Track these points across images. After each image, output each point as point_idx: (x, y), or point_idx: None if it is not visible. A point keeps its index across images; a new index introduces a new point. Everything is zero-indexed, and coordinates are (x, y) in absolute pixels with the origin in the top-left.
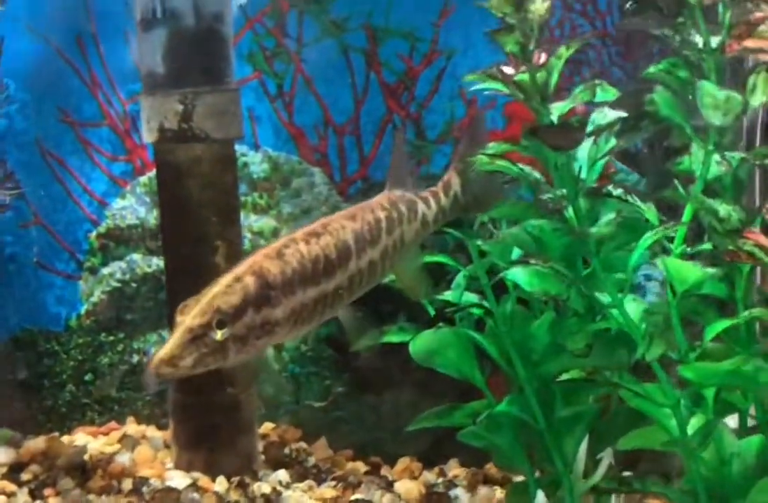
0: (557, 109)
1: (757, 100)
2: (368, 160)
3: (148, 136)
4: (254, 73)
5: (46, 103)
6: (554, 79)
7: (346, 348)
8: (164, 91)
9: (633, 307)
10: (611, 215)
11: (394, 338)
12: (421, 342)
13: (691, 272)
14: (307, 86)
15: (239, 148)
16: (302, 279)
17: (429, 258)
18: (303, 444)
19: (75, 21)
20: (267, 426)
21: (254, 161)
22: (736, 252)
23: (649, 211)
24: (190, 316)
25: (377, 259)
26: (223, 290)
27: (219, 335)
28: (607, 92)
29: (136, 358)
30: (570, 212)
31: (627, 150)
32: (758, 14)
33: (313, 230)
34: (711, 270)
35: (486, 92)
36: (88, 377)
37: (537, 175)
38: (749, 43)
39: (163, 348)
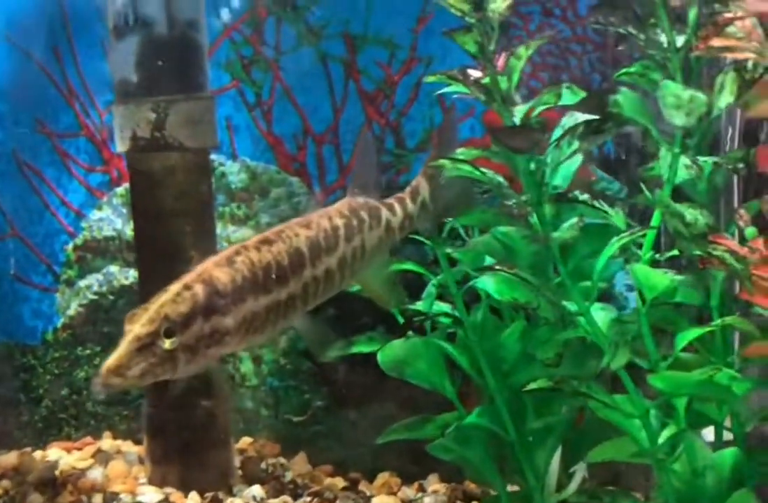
0: (519, 111)
1: (724, 101)
2: (347, 169)
3: (120, 145)
4: (232, 82)
5: (23, 113)
6: (515, 79)
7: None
8: (137, 100)
9: (601, 315)
10: (574, 220)
11: (362, 348)
12: (390, 352)
13: (660, 279)
14: (286, 95)
15: (217, 158)
16: (253, 288)
17: (398, 267)
18: (281, 459)
19: (52, 31)
20: (245, 441)
21: (232, 171)
22: (709, 258)
23: (617, 217)
24: (138, 325)
25: (334, 268)
26: (171, 298)
27: (167, 344)
28: (575, 95)
29: None
30: (534, 218)
31: (607, 158)
32: (727, 15)
33: (265, 237)
34: (679, 277)
35: (458, 98)
36: (64, 391)
37: (500, 179)
38: (715, 42)
39: (111, 357)
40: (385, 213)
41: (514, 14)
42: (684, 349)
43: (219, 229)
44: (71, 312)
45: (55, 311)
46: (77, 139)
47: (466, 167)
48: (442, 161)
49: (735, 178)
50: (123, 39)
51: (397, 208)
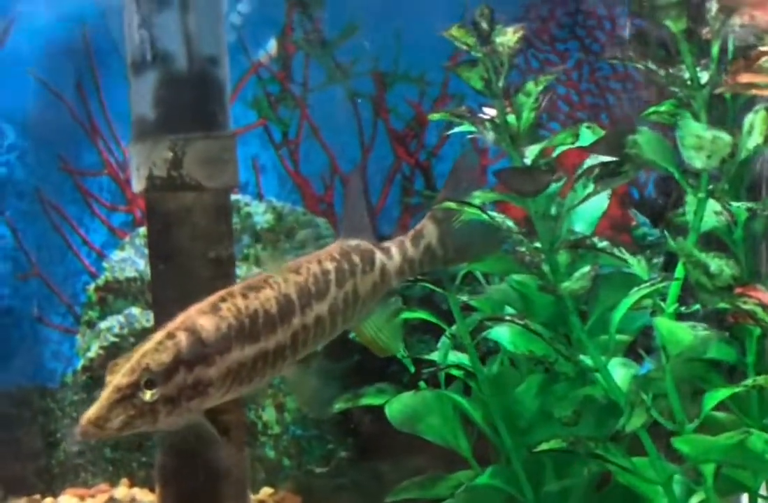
0: (531, 152)
1: (753, 142)
2: (375, 210)
3: (137, 184)
4: (259, 120)
5: (46, 150)
6: (526, 117)
7: (351, 409)
8: (153, 138)
9: (622, 372)
10: (585, 269)
11: (371, 401)
12: (399, 406)
13: (684, 334)
14: (313, 133)
15: (242, 198)
16: (239, 336)
17: (408, 315)
18: None
19: (77, 66)
20: (265, 492)
21: (257, 211)
22: (741, 313)
23: (638, 266)
24: (119, 375)
25: (325, 315)
26: (153, 347)
27: (148, 396)
28: (596, 134)
29: None
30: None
31: (648, 202)
32: (762, 48)
33: (252, 283)
34: (705, 332)
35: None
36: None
37: (510, 223)
38: (743, 78)
39: (91, 408)
40: (379, 256)
41: (551, 51)
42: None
43: (244, 271)
44: (91, 354)
45: (75, 353)
46: (100, 177)
47: (472, 210)
48: (446, 203)
49: None
50: (140, 75)
51: (395, 251)
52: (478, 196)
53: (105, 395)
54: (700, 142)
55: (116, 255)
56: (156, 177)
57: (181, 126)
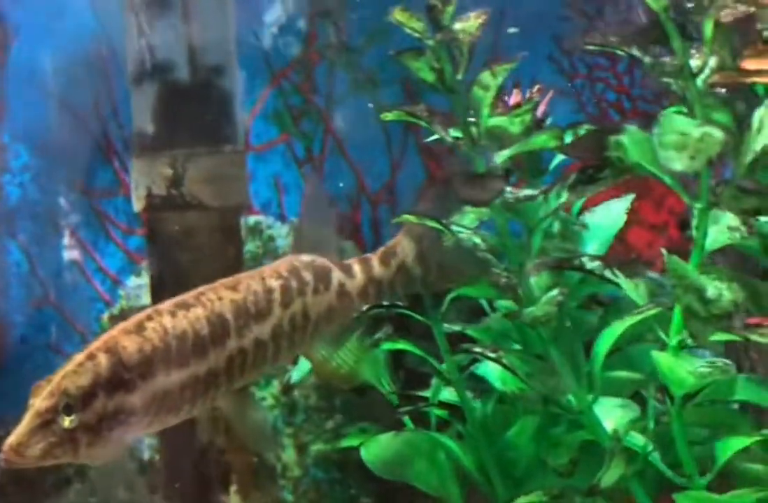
0: (501, 156)
1: (762, 141)
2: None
3: (136, 203)
4: (281, 136)
5: (60, 170)
6: (485, 115)
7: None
8: (153, 153)
9: (617, 415)
10: (553, 293)
11: (352, 442)
12: (377, 449)
13: (686, 373)
14: (338, 149)
15: (265, 220)
16: (165, 360)
17: (390, 346)
18: None
19: (92, 83)
20: None
21: (280, 234)
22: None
23: (635, 290)
24: (39, 398)
25: (267, 338)
26: (72, 369)
27: (66, 422)
28: None
29: (147, 454)
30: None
31: None
32: None
33: (183, 300)
34: (707, 370)
35: None
36: (94, 473)
37: (477, 240)
38: (749, 64)
39: (13, 433)
40: (337, 275)
41: (599, 53)
42: None
43: None
44: None
45: None
46: (116, 198)
47: (433, 223)
48: (403, 216)
49: None
50: (140, 86)
51: (357, 270)
52: (471, 212)
53: (26, 420)
54: (683, 140)
55: (132, 281)
56: (155, 195)
57: (183, 140)
